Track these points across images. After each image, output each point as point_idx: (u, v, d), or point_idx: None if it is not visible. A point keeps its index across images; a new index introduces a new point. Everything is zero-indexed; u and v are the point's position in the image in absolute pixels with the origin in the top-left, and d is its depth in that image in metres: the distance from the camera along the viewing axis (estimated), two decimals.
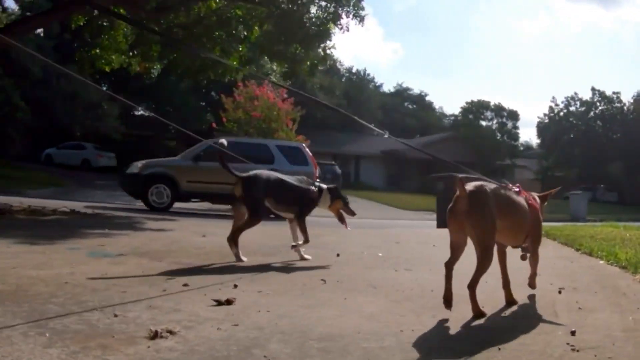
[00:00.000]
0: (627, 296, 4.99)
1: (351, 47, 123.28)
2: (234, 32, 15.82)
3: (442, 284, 4.13)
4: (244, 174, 6.56)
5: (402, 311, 4.19)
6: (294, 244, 6.94)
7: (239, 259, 6.38)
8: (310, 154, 18.98)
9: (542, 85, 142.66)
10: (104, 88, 45.17)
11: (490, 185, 4.27)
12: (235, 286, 4.86)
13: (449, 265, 4.14)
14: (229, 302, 4.15)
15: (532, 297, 4.82)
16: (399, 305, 4.39)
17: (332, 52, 43.80)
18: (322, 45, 16.63)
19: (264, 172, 6.73)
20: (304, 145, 19.59)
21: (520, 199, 4.53)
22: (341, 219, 7.24)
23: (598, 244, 8.73)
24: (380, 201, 32.38)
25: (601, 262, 7.33)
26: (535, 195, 4.92)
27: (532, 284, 4.93)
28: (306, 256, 6.86)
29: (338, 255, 7.33)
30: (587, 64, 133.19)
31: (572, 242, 9.41)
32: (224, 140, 6.95)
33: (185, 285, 4.82)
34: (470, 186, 4.08)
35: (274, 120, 26.06)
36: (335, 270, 6.14)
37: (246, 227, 6.50)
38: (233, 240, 6.45)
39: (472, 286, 3.98)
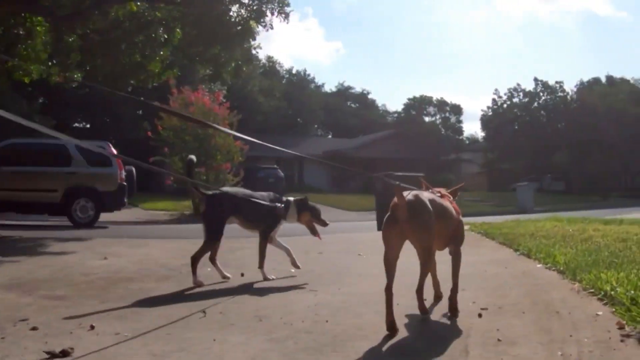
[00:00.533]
0: (560, 316, 4.16)
1: (292, 48, 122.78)
2: (153, 35, 15.02)
3: (340, 309, 4.05)
4: (209, 192, 6.51)
5: (278, 356, 3.47)
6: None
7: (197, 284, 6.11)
8: (115, 152, 17.97)
9: (485, 78, 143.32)
10: (40, 100, 43.69)
11: (424, 193, 4.36)
12: (92, 327, 4.09)
13: (389, 289, 3.94)
14: (64, 353, 3.39)
15: (443, 326, 4.21)
16: (278, 347, 3.64)
17: (257, 52, 43.26)
18: (245, 45, 15.97)
19: (232, 189, 6.80)
20: (109, 144, 18.43)
21: (447, 203, 4.63)
22: (313, 231, 6.97)
23: (537, 243, 8.11)
24: (324, 203, 31.59)
25: (539, 265, 6.64)
26: (444, 192, 4.97)
27: (453, 306, 4.46)
28: (270, 276, 6.59)
29: (242, 274, 6.76)
30: (528, 55, 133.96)
31: (510, 242, 8.71)
32: (192, 157, 6.75)
33: (33, 329, 4.02)
34: (409, 196, 4.10)
35: (210, 126, 25.04)
36: (226, 298, 5.43)
37: (204, 251, 6.33)
38: (192, 266, 6.22)
39: (420, 290, 4.16)
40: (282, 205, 6.76)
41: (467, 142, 76.23)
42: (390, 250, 4.02)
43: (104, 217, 17.92)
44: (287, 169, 47.06)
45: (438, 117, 59.35)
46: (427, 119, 58.83)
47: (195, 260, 6.21)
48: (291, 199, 6.95)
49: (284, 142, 51.99)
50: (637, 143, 55.81)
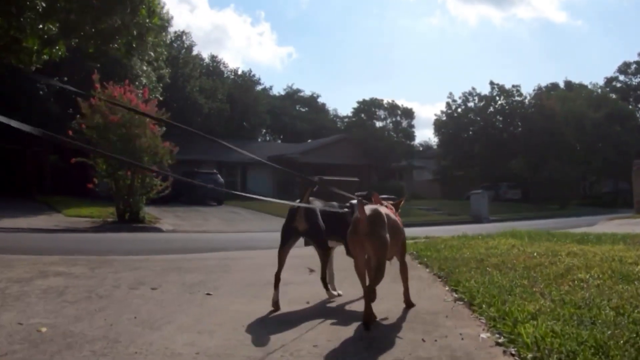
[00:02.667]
0: None
1: (244, 52, 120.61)
2: (28, 3, 12.36)
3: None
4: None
5: None
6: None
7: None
8: None
9: (440, 84, 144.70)
10: None
11: (382, 209, 4.49)
12: None
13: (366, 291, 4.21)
14: None
15: None
16: None
17: (167, 33, 40.61)
18: (135, 18, 13.41)
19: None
20: None
21: (394, 216, 4.73)
22: None
23: (486, 281, 5.41)
24: (265, 211, 29.35)
25: (486, 336, 3.80)
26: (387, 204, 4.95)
27: (407, 301, 4.86)
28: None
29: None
30: (483, 61, 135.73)
31: (447, 275, 6.08)
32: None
33: None
34: (368, 210, 4.28)
35: (135, 125, 22.61)
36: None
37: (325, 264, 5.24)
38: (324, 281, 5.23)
39: (371, 296, 4.20)
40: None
41: (421, 148, 74.59)
42: (358, 260, 4.29)
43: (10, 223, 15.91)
44: (229, 175, 45.21)
45: (389, 121, 56.98)
46: (378, 123, 56.34)
47: (324, 277, 5.16)
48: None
49: (224, 146, 49.68)
50: (596, 149, 54.95)
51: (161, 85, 37.78)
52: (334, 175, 26.18)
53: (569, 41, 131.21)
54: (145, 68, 34.95)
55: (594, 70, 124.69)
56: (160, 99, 36.77)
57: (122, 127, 21.91)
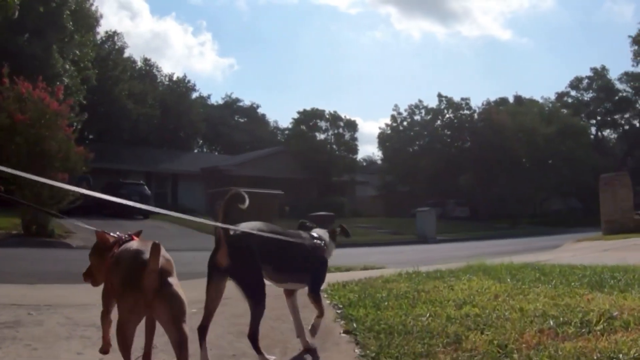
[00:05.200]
0: None
1: (184, 61, 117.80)
2: None
3: None
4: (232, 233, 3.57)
5: None
6: None
7: None
8: None
9: (384, 100, 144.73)
10: None
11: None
12: None
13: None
14: None
15: None
16: None
17: (91, 17, 38.36)
18: None
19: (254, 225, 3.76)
20: None
21: None
22: None
23: None
24: (194, 227, 26.86)
25: None
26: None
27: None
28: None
29: None
30: (429, 78, 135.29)
31: None
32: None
33: None
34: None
35: (46, 126, 20.16)
36: None
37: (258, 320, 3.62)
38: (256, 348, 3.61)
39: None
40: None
41: (364, 163, 72.95)
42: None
43: None
44: (159, 187, 42.64)
45: (330, 133, 54.15)
46: (319, 135, 53.79)
47: (255, 337, 3.54)
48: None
49: (157, 157, 47.65)
50: (548, 165, 54.00)
51: (85, 87, 34.92)
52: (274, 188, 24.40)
53: (516, 58, 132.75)
54: (68, 67, 32.18)
55: (543, 86, 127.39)
56: (84, 102, 34.36)
57: (31, 128, 19.57)
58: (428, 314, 4.20)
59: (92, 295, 4.03)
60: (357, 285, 5.73)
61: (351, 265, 9.84)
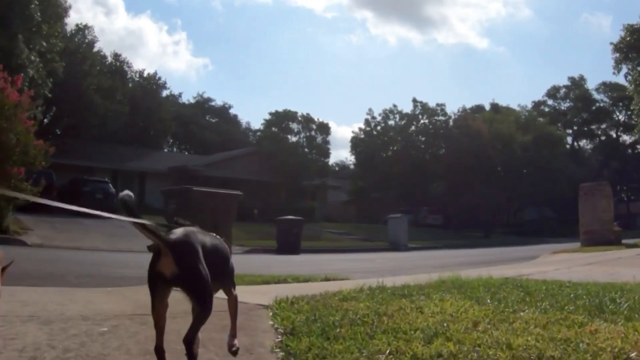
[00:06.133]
0: None
1: (158, 60, 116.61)
2: None
3: None
4: (173, 238, 3.07)
5: None
6: None
7: None
8: None
9: (358, 105, 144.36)
10: None
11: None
12: None
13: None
14: None
15: None
16: None
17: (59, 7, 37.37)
18: None
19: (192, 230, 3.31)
20: None
21: None
22: None
23: None
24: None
25: None
26: None
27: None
28: None
29: None
30: (404, 84, 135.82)
31: None
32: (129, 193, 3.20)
33: None
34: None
35: (4, 117, 19.31)
36: None
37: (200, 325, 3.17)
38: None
39: None
40: None
41: (337, 168, 72.22)
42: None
43: None
44: (125, 185, 41.52)
45: (302, 135, 53.21)
46: (290, 138, 52.81)
47: (190, 343, 3.07)
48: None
49: (124, 154, 46.73)
50: (522, 174, 53.62)
51: (51, 80, 33.79)
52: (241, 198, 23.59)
53: (493, 66, 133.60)
54: (33, 58, 31.05)
55: (520, 94, 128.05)
56: (49, 95, 33.36)
57: None
58: (388, 351, 3.16)
59: None
60: (307, 304, 4.69)
61: (311, 275, 8.90)
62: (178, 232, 3.05)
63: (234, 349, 3.34)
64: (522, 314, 4.46)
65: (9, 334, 3.54)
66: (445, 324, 3.81)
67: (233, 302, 3.54)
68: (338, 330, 3.59)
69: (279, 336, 3.66)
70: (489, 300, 5.13)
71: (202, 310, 3.06)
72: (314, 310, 4.35)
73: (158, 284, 3.01)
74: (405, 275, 9.48)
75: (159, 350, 3.02)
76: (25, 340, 3.37)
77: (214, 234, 3.53)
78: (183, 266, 2.94)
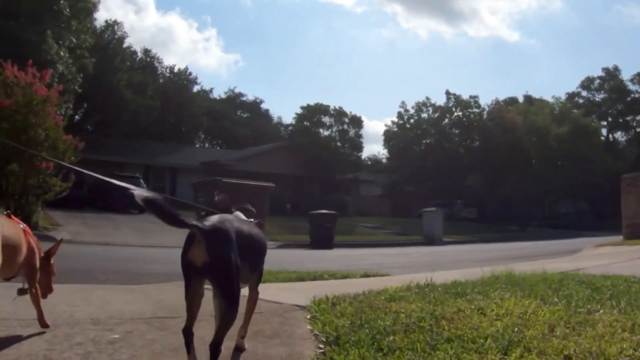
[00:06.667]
0: None
1: (188, 57, 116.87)
2: None
3: None
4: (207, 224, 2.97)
5: None
6: None
7: None
8: None
9: (390, 99, 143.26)
10: None
11: None
12: None
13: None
14: None
15: None
16: None
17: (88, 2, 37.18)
18: None
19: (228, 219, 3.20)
20: None
21: None
22: None
23: None
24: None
25: None
26: None
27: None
28: None
29: None
30: (436, 77, 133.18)
31: None
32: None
33: None
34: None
35: (33, 112, 19.17)
36: None
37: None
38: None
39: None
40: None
41: (369, 162, 71.55)
42: None
43: None
44: (157, 180, 41.61)
45: (335, 129, 52.48)
46: (323, 131, 52.11)
47: (217, 348, 2.83)
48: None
49: (156, 149, 46.65)
50: (558, 166, 52.49)
51: (81, 75, 33.70)
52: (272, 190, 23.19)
53: (525, 59, 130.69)
54: (62, 54, 30.97)
55: (553, 86, 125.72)
56: (79, 90, 33.33)
57: (16, 114, 18.53)
58: None
59: None
60: (351, 305, 4.14)
61: (349, 271, 8.36)
62: (213, 219, 2.94)
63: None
64: (598, 314, 3.85)
65: (3, 342, 3.17)
66: (516, 329, 3.21)
67: (254, 299, 3.42)
68: (391, 338, 3.01)
69: (321, 345, 3.10)
70: (556, 299, 4.50)
71: (228, 307, 2.88)
72: (358, 312, 3.78)
73: (191, 273, 2.90)
74: (445, 270, 8.96)
75: (187, 332, 2.87)
76: (20, 350, 2.91)
77: (254, 220, 3.47)
78: (214, 254, 2.81)
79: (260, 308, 3.74)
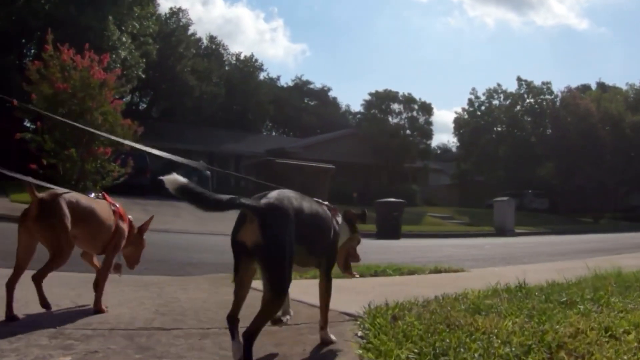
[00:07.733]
0: None
1: (256, 47, 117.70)
2: None
3: None
4: (263, 202, 2.83)
5: None
6: None
7: None
8: None
9: (457, 87, 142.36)
10: None
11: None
12: None
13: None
14: None
15: None
16: None
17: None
18: None
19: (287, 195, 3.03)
20: None
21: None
22: (347, 266, 3.66)
23: None
24: None
25: None
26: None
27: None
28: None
29: None
30: (503, 66, 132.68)
31: None
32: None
33: None
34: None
35: (91, 96, 18.79)
36: None
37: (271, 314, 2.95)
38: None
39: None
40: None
41: (438, 151, 70.15)
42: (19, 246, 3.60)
43: None
44: (221, 168, 41.37)
45: (404, 116, 50.93)
46: (391, 119, 50.80)
47: (252, 337, 2.70)
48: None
49: (221, 136, 46.40)
50: (632, 156, 50.13)
51: (144, 61, 33.42)
52: (334, 173, 22.17)
53: (595, 47, 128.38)
54: (124, 40, 30.71)
55: (626, 73, 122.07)
56: (142, 75, 33.06)
57: (73, 98, 18.42)
58: None
59: None
60: (419, 319, 3.01)
61: (417, 266, 7.10)
62: (272, 195, 2.81)
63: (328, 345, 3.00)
64: None
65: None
66: None
67: (325, 288, 3.21)
68: None
69: None
70: None
71: (272, 296, 2.71)
72: (430, 333, 2.62)
73: (241, 253, 2.79)
74: (522, 264, 7.82)
75: (231, 319, 2.79)
76: None
77: (318, 199, 3.27)
78: (267, 236, 2.66)
79: (298, 316, 3.17)
